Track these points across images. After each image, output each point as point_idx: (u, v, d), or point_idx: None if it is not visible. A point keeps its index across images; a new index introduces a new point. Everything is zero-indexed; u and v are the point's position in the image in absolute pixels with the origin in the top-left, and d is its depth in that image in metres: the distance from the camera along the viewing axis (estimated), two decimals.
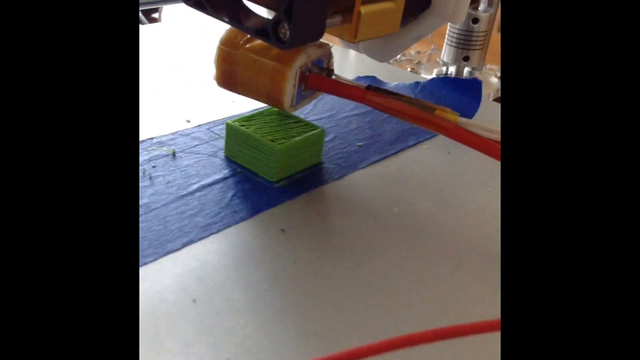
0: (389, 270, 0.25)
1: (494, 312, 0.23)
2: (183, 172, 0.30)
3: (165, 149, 0.32)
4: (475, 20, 0.46)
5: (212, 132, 0.34)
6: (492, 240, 0.27)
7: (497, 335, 0.17)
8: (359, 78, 0.43)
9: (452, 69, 0.48)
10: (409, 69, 0.56)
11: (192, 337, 0.20)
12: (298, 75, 0.28)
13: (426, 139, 0.36)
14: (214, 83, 0.30)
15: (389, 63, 0.51)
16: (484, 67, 0.54)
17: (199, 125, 0.35)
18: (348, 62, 0.48)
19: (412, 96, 0.42)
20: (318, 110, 0.39)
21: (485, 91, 0.50)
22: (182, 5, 0.27)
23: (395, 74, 0.47)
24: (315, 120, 0.37)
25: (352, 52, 0.50)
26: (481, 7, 0.47)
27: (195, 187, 0.29)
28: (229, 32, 0.29)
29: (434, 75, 0.49)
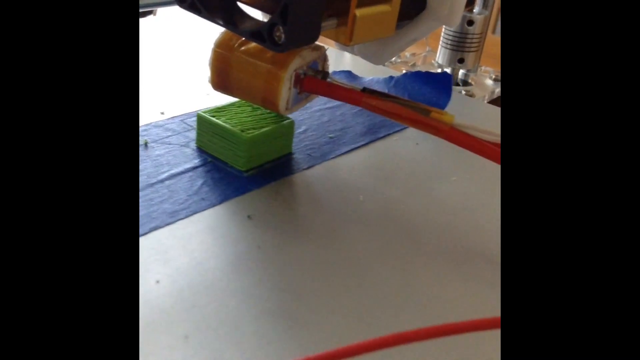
0: (350, 252, 0.25)
1: (462, 293, 0.24)
2: (154, 162, 0.30)
3: None
4: (470, 23, 0.46)
5: (185, 123, 0.35)
6: (452, 226, 0.28)
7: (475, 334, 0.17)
8: (334, 73, 0.44)
9: (447, 71, 0.49)
10: (404, 71, 0.56)
11: (152, 316, 0.21)
12: (293, 78, 0.28)
13: (396, 132, 0.37)
14: (189, 76, 0.30)
15: (384, 65, 0.52)
16: (479, 69, 0.54)
17: (172, 117, 0.35)
18: (343, 65, 0.49)
19: (387, 90, 0.43)
20: None
21: (480, 93, 0.51)
22: (176, 7, 0.27)
23: (368, 68, 0.48)
24: None
25: (348, 55, 0.50)
26: (476, 9, 0.47)
27: (165, 175, 0.29)
28: (223, 34, 0.29)
29: None
